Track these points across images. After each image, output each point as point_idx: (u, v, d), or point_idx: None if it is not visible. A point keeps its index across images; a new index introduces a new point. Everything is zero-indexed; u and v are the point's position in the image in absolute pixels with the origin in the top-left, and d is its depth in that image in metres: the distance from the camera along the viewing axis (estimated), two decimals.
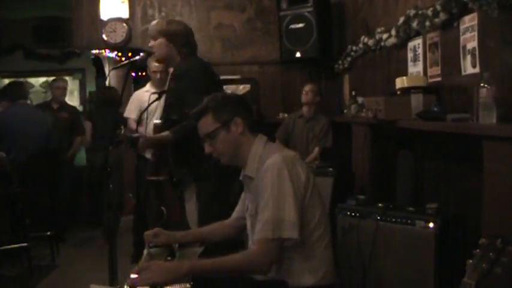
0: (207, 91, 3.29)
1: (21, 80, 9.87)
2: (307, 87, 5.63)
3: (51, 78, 7.52)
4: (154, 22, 3.74)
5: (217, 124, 2.40)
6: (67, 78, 9.07)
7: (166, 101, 3.72)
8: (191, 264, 2.15)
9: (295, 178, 2.25)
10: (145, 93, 5.03)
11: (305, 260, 2.32)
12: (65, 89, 6.90)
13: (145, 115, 4.16)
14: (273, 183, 2.22)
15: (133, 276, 2.16)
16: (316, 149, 5.48)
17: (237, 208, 2.73)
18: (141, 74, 6.76)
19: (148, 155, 4.50)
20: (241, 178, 2.53)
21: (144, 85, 5.45)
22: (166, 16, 6.53)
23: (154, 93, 4.07)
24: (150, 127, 3.93)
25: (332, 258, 2.43)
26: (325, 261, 2.38)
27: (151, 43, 3.63)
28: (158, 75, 5.11)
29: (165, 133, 3.52)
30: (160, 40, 3.57)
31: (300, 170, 2.30)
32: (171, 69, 3.91)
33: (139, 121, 4.63)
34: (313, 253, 2.33)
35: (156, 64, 5.13)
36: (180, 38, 3.58)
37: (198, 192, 3.59)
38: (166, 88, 3.88)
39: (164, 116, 3.69)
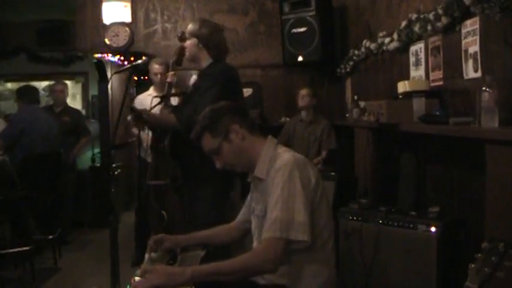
0: (226, 98, 3.27)
1: (24, 83, 9.95)
2: (303, 92, 5.63)
3: (53, 82, 7.51)
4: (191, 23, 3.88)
5: (218, 139, 2.40)
6: (70, 81, 9.09)
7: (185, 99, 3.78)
8: (193, 270, 2.14)
9: (306, 180, 2.24)
10: (148, 97, 5.04)
11: (309, 264, 2.31)
12: (62, 91, 6.85)
13: None
14: (284, 184, 2.21)
15: (137, 278, 2.16)
16: (324, 152, 5.47)
17: (242, 211, 2.72)
18: (144, 78, 6.78)
19: (149, 158, 4.50)
20: (249, 180, 2.52)
21: (147, 89, 5.46)
22: (168, 19, 6.56)
23: (156, 96, 4.08)
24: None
25: (335, 264, 2.42)
26: (328, 266, 2.37)
27: (186, 43, 3.76)
28: (159, 77, 5.14)
29: (169, 115, 3.57)
30: (192, 40, 3.72)
31: (311, 172, 2.29)
32: (169, 74, 3.93)
33: None
34: (317, 257, 2.32)
35: (157, 66, 5.16)
36: (210, 40, 3.70)
37: (199, 196, 3.58)
38: (166, 91, 3.90)
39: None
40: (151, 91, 5.25)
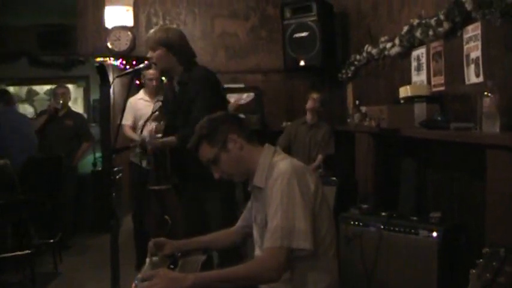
0: (211, 100, 3.29)
1: (26, 87, 10.02)
2: (315, 95, 5.62)
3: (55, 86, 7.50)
4: (151, 31, 3.66)
5: (215, 148, 2.39)
6: (71, 85, 9.11)
7: (170, 108, 3.68)
8: (196, 276, 2.13)
9: (304, 187, 2.22)
10: (139, 101, 5.08)
11: (311, 271, 2.29)
12: (65, 94, 6.80)
13: (141, 123, 4.16)
14: (283, 192, 2.19)
15: (141, 284, 2.16)
16: (320, 157, 5.48)
17: (243, 216, 2.71)
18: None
19: (144, 164, 4.50)
20: (249, 189, 2.51)
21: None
22: (170, 23, 6.56)
23: (157, 101, 4.08)
24: (145, 133, 3.88)
25: (337, 270, 2.41)
26: (330, 273, 2.35)
27: (150, 54, 3.52)
28: (154, 83, 5.16)
29: (171, 138, 3.49)
30: (160, 51, 3.48)
31: (309, 179, 2.28)
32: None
33: (134, 128, 4.65)
34: (319, 264, 2.30)
35: (152, 71, 5.15)
36: (179, 47, 3.50)
37: (205, 201, 3.55)
38: (163, 96, 3.86)
39: (167, 123, 3.66)
40: (142, 95, 5.27)
